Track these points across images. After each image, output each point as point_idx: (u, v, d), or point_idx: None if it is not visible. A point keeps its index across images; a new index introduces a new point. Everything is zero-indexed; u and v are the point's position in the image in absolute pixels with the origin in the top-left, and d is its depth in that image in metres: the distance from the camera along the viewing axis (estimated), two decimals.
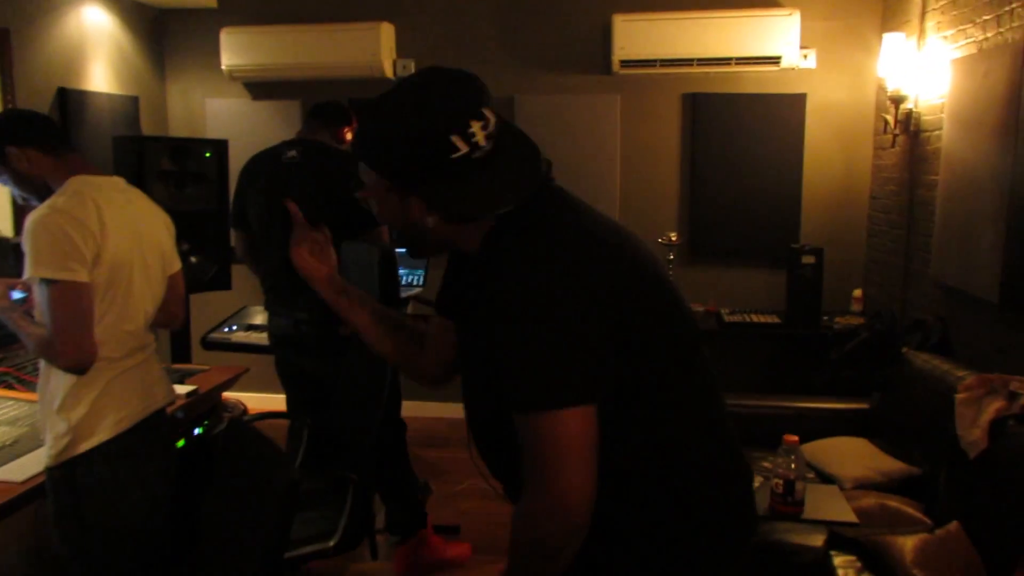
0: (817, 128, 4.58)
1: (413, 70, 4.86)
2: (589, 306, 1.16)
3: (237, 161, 4.22)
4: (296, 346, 3.21)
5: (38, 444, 2.25)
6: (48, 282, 1.91)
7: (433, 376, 1.56)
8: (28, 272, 1.93)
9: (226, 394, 3.41)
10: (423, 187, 1.22)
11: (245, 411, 4.82)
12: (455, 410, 4.86)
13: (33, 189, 2.08)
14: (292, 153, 3.19)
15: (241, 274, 4.55)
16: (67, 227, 1.93)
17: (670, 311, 1.29)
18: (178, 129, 5.18)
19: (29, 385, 2.76)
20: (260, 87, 5.05)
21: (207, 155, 4.12)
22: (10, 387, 2.73)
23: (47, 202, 1.98)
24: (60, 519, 2.10)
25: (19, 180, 2.08)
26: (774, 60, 4.34)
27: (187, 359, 3.99)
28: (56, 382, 2.04)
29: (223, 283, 4.14)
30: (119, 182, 2.18)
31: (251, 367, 3.31)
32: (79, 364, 1.97)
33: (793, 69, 4.40)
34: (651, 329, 1.24)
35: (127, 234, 2.09)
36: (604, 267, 1.20)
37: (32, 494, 2.08)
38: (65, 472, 2.04)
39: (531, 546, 1.21)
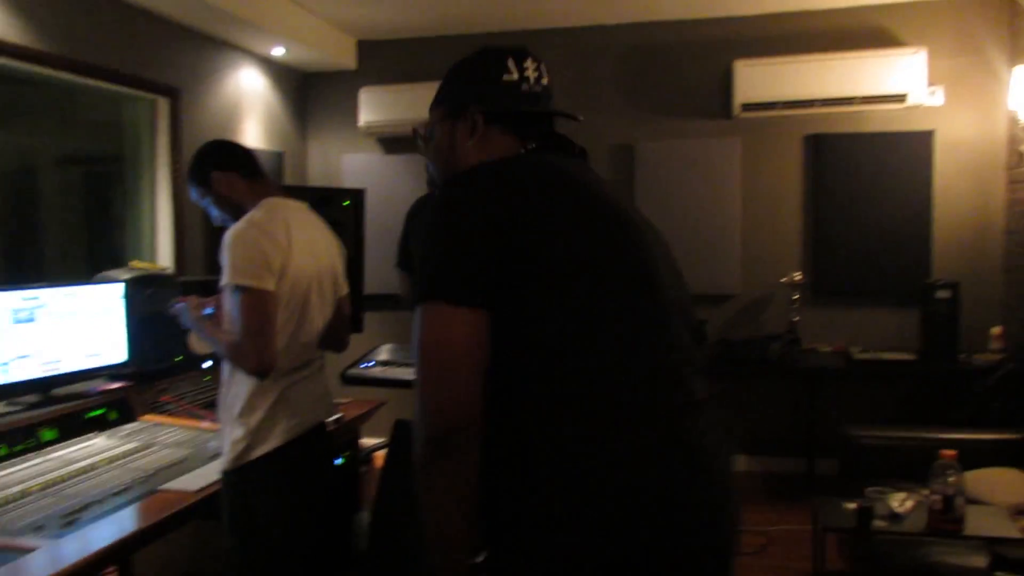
0: (946, 164, 4.54)
1: None
2: (486, 230, 1.20)
3: (372, 210, 4.52)
4: None
5: (204, 463, 2.42)
6: (241, 289, 2.09)
7: None
8: (225, 280, 2.13)
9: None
10: (479, 96, 1.38)
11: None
12: None
13: (231, 210, 2.31)
14: None
15: (371, 319, 4.81)
16: (261, 240, 2.13)
17: (593, 290, 1.22)
18: (317, 182, 5.55)
19: (190, 413, 2.98)
20: (393, 142, 5.38)
21: (346, 203, 4.40)
22: (174, 415, 2.96)
23: (244, 218, 2.20)
24: (233, 522, 2.23)
25: (219, 201, 2.32)
26: (899, 98, 4.35)
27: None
28: (236, 390, 2.21)
29: (356, 327, 4.36)
30: (303, 206, 2.39)
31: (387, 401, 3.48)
32: (262, 367, 2.12)
33: (919, 107, 4.39)
34: (545, 291, 1.20)
35: (308, 253, 2.28)
36: (522, 211, 1.23)
37: (203, 503, 2.21)
38: (241, 476, 2.18)
39: (416, 455, 1.20)
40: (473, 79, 1.41)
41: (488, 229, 1.21)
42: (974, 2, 4.48)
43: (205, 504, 2.22)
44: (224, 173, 2.29)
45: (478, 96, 1.39)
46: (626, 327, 1.22)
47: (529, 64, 1.41)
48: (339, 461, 3.11)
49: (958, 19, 4.51)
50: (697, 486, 1.19)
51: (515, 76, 1.39)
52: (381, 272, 4.44)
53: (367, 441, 4.23)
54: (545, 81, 1.43)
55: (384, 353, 4.48)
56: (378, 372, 4.27)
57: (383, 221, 4.59)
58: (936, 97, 4.44)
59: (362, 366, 4.37)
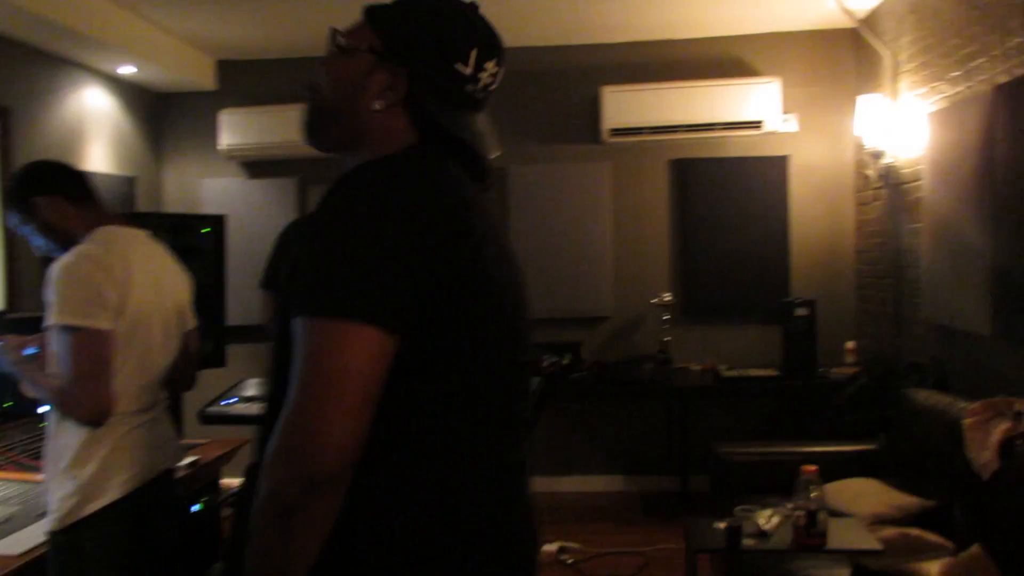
0: (801, 188, 4.77)
1: None
2: (406, 238, 1.04)
3: (234, 237, 4.29)
4: None
5: (32, 521, 2.16)
6: (70, 329, 1.87)
7: None
8: (51, 319, 1.90)
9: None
10: (413, 62, 1.18)
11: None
12: None
13: (59, 239, 2.06)
14: None
15: (234, 352, 4.55)
16: (93, 274, 1.92)
17: (494, 319, 1.15)
18: (174, 208, 5.23)
19: (20, 465, 2.68)
20: (256, 166, 5.16)
21: (205, 230, 4.15)
22: (1, 467, 2.67)
23: (75, 249, 1.97)
24: None
25: (45, 230, 2.06)
26: (756, 124, 4.54)
27: (180, 435, 3.92)
28: (66, 439, 1.97)
29: (217, 361, 4.10)
30: (143, 234, 2.17)
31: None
32: (96, 415, 1.91)
33: (774, 133, 4.60)
34: (460, 316, 1.09)
35: (150, 286, 2.07)
36: (441, 224, 1.08)
37: (28, 569, 1.96)
38: (71, 537, 1.94)
39: (266, 500, 1.01)
40: (426, 40, 1.19)
41: (419, 243, 1.04)
42: (823, 35, 4.74)
43: (31, 570, 1.96)
44: (48, 197, 2.04)
45: (417, 65, 1.18)
46: (502, 375, 1.17)
47: (489, 67, 1.23)
48: (195, 508, 2.89)
49: (809, 51, 4.77)
50: (528, 538, 1.24)
51: (468, 71, 1.20)
52: (244, 302, 4.21)
53: (229, 482, 3.97)
54: (492, 88, 1.26)
55: (249, 388, 4.22)
56: (242, 409, 4.00)
57: (246, 248, 4.37)
58: (790, 124, 4.66)
59: (224, 403, 4.10)
